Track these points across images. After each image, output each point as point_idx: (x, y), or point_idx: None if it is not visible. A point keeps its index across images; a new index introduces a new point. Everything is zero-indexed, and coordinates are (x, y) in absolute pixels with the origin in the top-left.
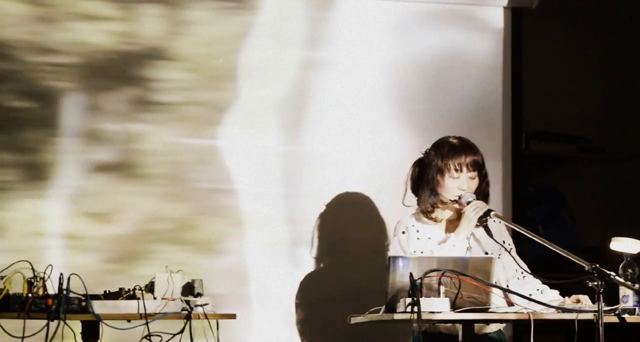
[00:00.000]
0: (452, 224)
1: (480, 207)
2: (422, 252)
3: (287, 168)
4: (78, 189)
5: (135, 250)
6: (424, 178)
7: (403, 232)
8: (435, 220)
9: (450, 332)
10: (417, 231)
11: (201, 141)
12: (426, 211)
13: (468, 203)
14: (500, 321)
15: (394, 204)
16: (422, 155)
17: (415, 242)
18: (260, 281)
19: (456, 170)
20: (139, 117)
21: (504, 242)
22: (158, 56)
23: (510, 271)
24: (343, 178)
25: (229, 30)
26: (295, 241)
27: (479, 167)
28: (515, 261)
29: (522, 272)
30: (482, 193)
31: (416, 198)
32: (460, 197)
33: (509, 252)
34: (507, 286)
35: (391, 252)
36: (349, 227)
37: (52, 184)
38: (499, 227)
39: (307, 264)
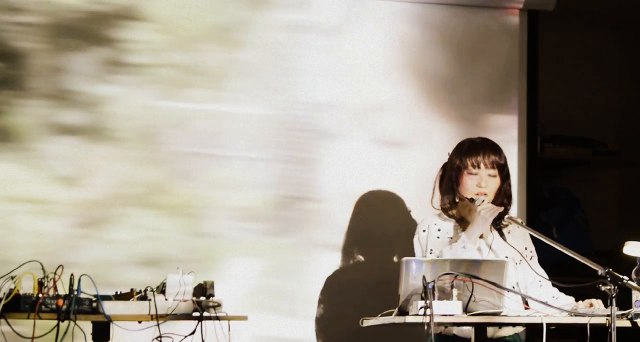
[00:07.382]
0: (467, 224)
1: (493, 208)
2: (431, 251)
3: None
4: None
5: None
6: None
7: (424, 231)
8: (454, 217)
9: (465, 336)
10: (439, 230)
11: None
12: (445, 208)
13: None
14: (513, 325)
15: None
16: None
17: (435, 240)
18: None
19: (473, 166)
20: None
21: (525, 248)
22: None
23: (529, 278)
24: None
25: None
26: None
27: (500, 167)
28: (532, 268)
29: (540, 280)
30: (503, 194)
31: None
32: (475, 200)
33: (530, 259)
34: (526, 293)
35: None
36: (380, 227)
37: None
38: (522, 234)
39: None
